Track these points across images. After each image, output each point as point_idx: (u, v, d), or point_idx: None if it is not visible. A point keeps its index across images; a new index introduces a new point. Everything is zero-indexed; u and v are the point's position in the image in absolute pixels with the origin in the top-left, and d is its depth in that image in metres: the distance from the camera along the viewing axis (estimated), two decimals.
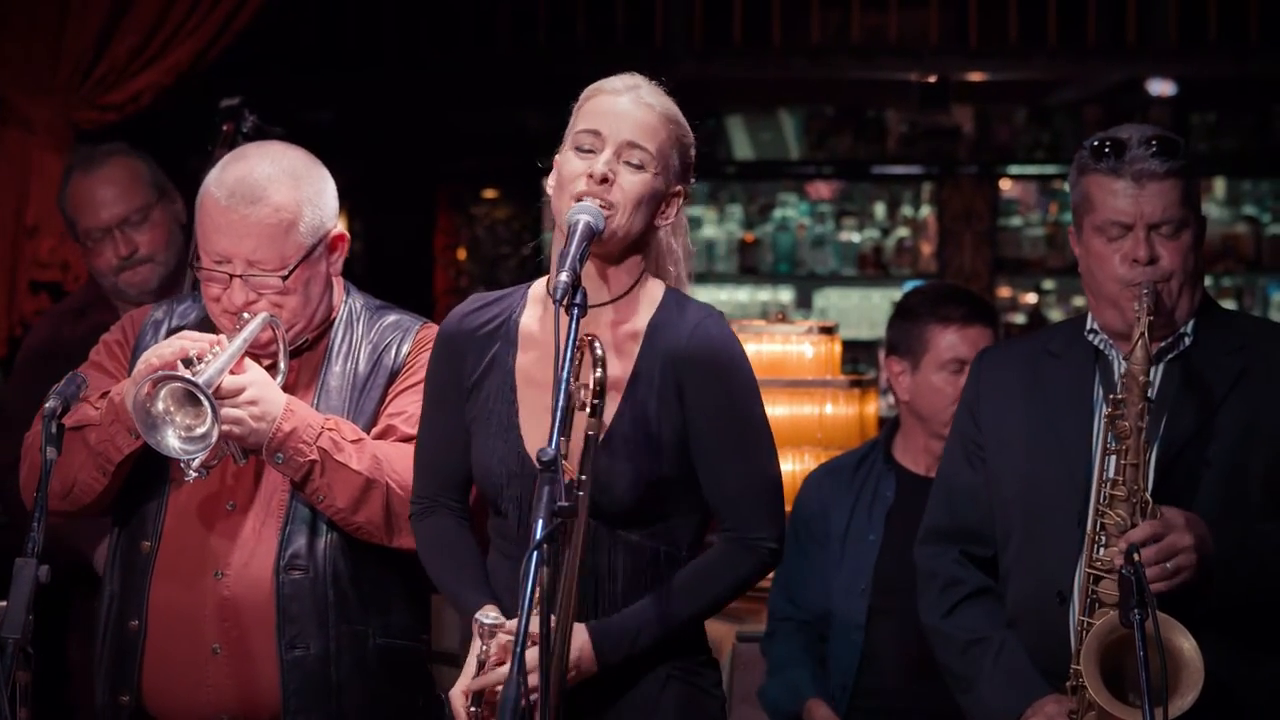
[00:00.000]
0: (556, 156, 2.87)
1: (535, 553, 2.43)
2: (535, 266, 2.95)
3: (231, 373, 2.97)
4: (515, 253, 8.83)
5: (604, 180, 2.77)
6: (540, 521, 2.44)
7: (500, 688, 2.61)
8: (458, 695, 2.75)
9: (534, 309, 2.90)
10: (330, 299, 3.18)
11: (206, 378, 2.90)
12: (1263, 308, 8.76)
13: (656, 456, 2.78)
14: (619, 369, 2.80)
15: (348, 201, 10.02)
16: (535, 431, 2.79)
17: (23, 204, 5.11)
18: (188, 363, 2.94)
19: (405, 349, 3.16)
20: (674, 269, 2.93)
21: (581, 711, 2.74)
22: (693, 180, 2.90)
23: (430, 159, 8.66)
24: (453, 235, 8.94)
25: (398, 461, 3.03)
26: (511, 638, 2.63)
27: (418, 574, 3.04)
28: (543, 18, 7.93)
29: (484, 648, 2.71)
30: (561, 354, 2.59)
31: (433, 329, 3.20)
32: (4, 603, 2.73)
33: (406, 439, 3.08)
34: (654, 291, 2.88)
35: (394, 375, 3.15)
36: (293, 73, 7.64)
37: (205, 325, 3.14)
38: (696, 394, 2.80)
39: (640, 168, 2.79)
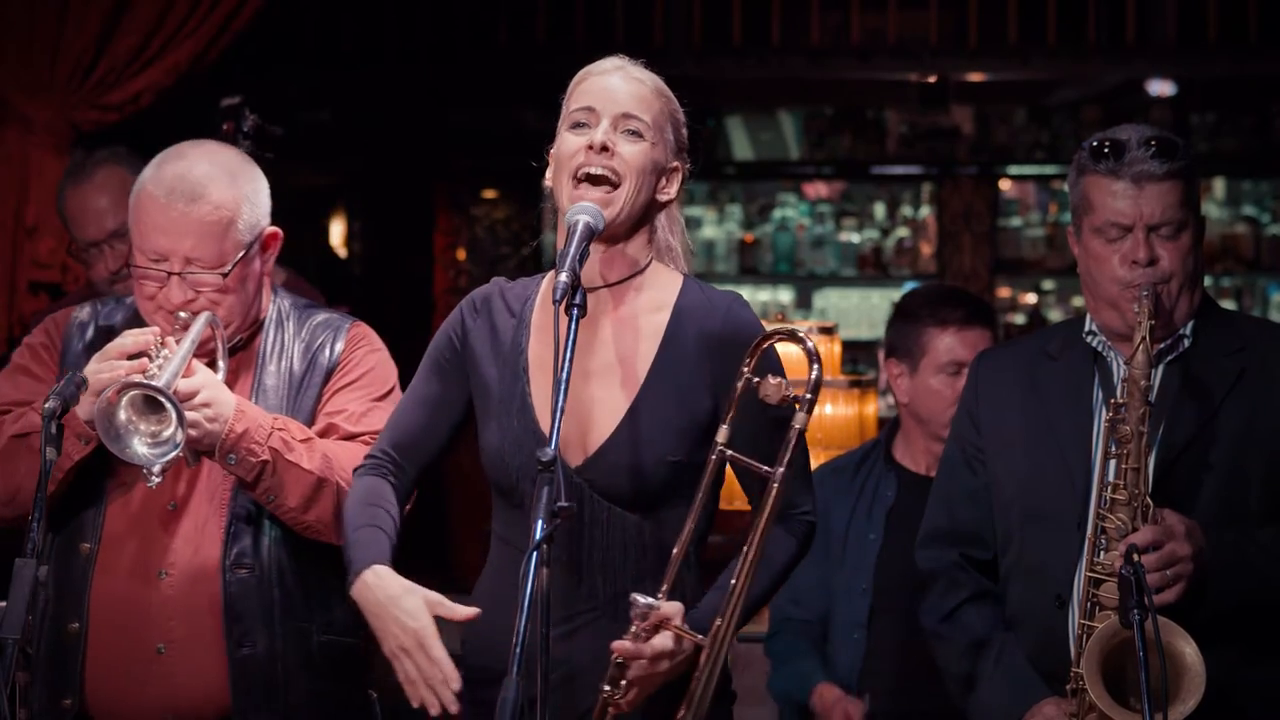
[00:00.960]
0: (550, 151, 2.87)
1: (535, 553, 2.44)
2: (535, 267, 2.95)
3: (183, 375, 2.96)
4: (515, 253, 8.82)
5: (604, 149, 2.77)
6: (540, 521, 2.45)
7: (654, 665, 2.65)
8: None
9: (548, 294, 2.90)
10: (262, 298, 3.19)
11: (165, 381, 2.88)
12: (1262, 308, 8.76)
13: (676, 438, 2.78)
14: (640, 348, 2.82)
15: (347, 201, 9.98)
16: (550, 412, 2.79)
17: (22, 204, 5.11)
18: (138, 356, 2.95)
19: (339, 347, 3.18)
20: (672, 264, 2.93)
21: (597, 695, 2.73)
22: (688, 161, 2.90)
23: (429, 159, 8.66)
24: (452, 235, 8.93)
25: (346, 460, 3.05)
26: (662, 619, 2.65)
27: None
28: (542, 17, 7.93)
29: (635, 629, 2.67)
30: (561, 354, 2.60)
31: (362, 327, 3.24)
32: (4, 603, 2.73)
33: (349, 437, 3.10)
34: (669, 277, 2.89)
35: (330, 373, 3.17)
36: (292, 72, 7.64)
37: (132, 326, 3.12)
38: (748, 388, 2.79)
39: (638, 136, 2.80)
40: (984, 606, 3.19)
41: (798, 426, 2.68)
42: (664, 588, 2.70)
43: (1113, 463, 2.96)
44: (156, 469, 2.95)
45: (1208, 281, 3.32)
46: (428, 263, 8.85)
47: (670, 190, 2.88)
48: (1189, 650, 2.83)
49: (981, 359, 3.33)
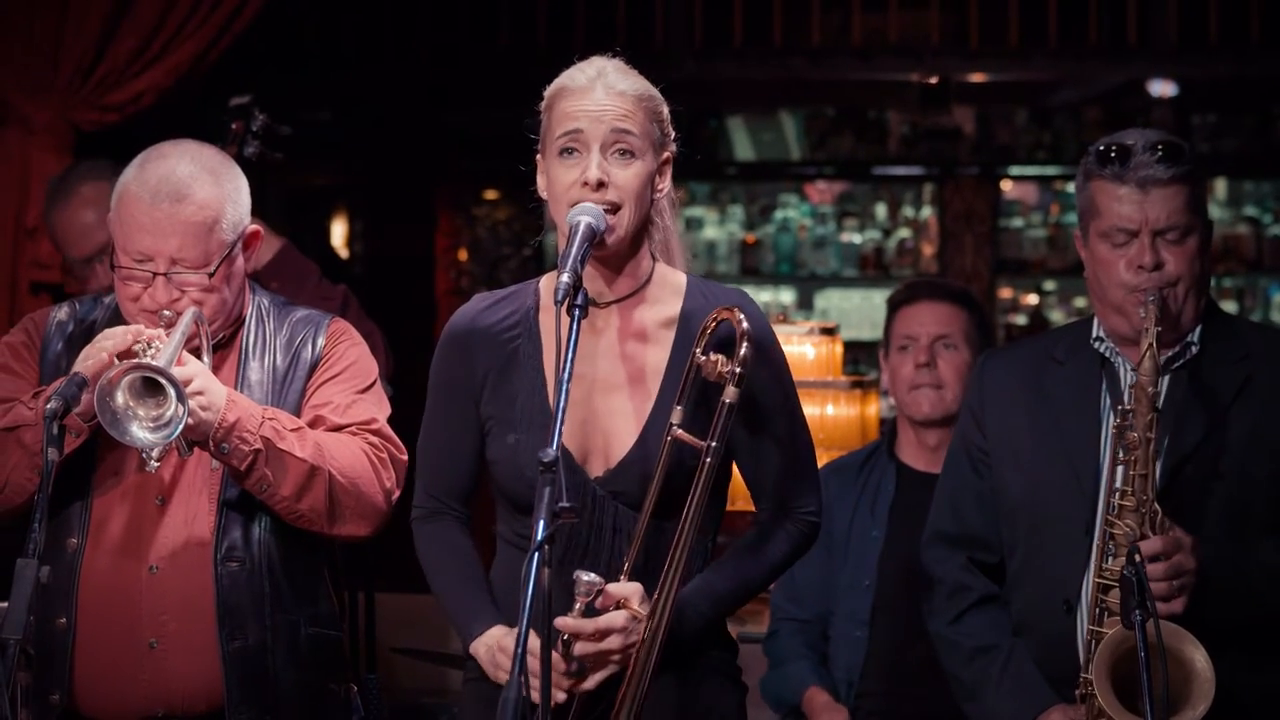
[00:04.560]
0: (538, 158, 2.86)
1: (536, 553, 2.44)
2: (536, 268, 2.94)
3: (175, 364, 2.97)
4: (516, 254, 8.82)
5: (600, 185, 2.76)
6: (541, 522, 2.46)
7: (598, 642, 2.69)
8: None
9: (550, 303, 2.90)
10: (244, 295, 3.20)
11: (163, 363, 2.89)
12: (1264, 309, 8.76)
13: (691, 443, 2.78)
14: (651, 358, 2.83)
15: (348, 202, 9.96)
16: (571, 425, 2.79)
17: (23, 205, 5.10)
18: (127, 354, 2.96)
19: (321, 342, 3.20)
20: (669, 257, 2.92)
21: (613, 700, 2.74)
22: (673, 137, 2.88)
23: (431, 160, 8.66)
24: (454, 236, 8.93)
25: (336, 449, 3.07)
26: (620, 599, 2.69)
27: (339, 564, 3.14)
28: (543, 18, 7.93)
29: (580, 607, 2.70)
30: (562, 354, 2.61)
31: (341, 322, 3.27)
32: (4, 604, 2.73)
33: (336, 428, 3.12)
34: (675, 280, 2.89)
35: (314, 367, 3.19)
36: (293, 73, 7.64)
37: (113, 324, 3.12)
38: (747, 380, 2.78)
39: (630, 155, 2.78)
40: (991, 611, 3.18)
41: (727, 401, 2.69)
42: (625, 567, 2.73)
43: (1121, 469, 2.95)
44: (156, 452, 2.96)
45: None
46: (429, 264, 8.85)
47: (664, 184, 2.87)
48: (1199, 657, 2.83)
49: (986, 361, 3.33)
